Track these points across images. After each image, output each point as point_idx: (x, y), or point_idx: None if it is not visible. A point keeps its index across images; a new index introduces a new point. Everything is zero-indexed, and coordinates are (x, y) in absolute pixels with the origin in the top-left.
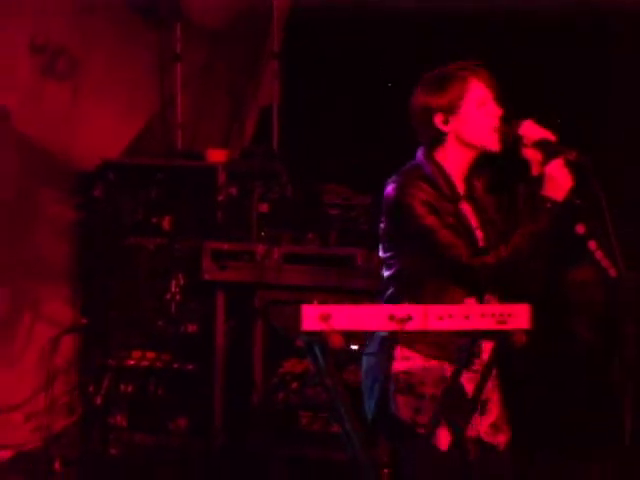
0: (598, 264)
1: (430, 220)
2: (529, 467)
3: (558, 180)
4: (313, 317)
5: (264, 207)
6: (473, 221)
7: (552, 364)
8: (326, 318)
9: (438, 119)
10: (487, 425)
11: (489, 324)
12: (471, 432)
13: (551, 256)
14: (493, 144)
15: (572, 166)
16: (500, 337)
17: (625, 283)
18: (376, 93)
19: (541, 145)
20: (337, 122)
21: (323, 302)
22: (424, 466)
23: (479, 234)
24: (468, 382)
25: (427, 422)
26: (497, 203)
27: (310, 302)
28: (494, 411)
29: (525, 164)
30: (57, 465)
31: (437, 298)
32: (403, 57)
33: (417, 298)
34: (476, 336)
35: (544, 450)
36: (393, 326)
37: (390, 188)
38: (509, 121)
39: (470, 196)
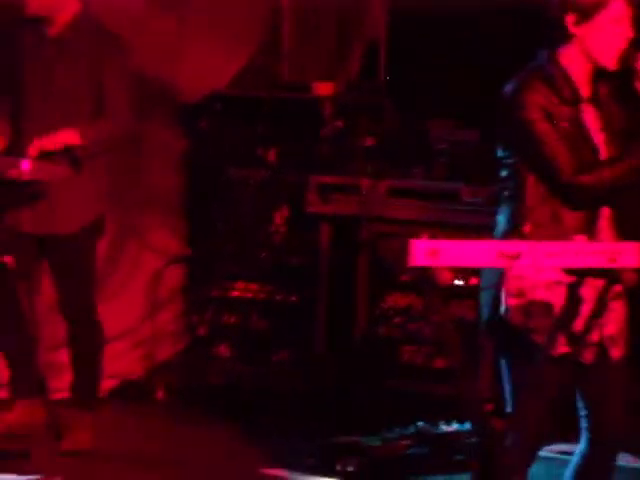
0: None
1: (542, 127)
2: None
3: None
4: (422, 252)
5: (370, 140)
6: (594, 124)
7: None
8: (435, 253)
9: (571, 19)
10: (606, 335)
11: (599, 262)
12: (593, 336)
13: None
14: (611, 63)
15: None
16: (610, 275)
17: None
18: (487, 27)
19: None
20: (446, 57)
21: (432, 237)
22: (535, 371)
23: (600, 137)
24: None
25: (538, 326)
26: (625, 112)
27: (418, 236)
28: (612, 325)
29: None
30: (160, 394)
31: (544, 203)
32: None
33: (526, 201)
34: (586, 274)
35: None
36: (502, 262)
37: (508, 87)
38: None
39: (595, 100)
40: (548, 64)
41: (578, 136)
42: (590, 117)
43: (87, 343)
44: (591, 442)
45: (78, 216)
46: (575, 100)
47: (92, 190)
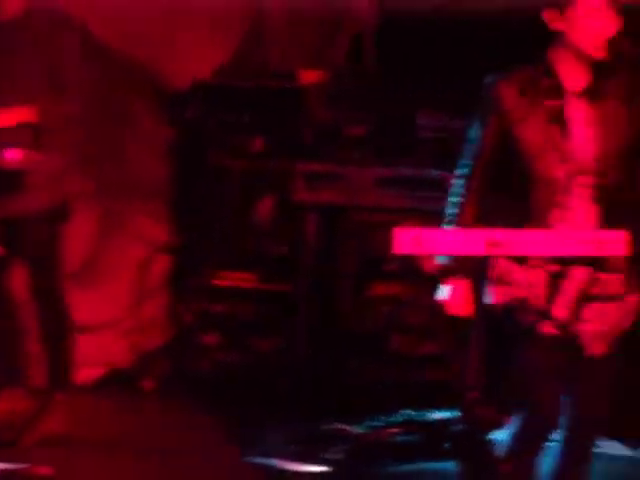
0: None
1: (488, 121)
2: None
3: None
4: (406, 240)
5: (357, 129)
6: (582, 118)
7: None
8: (420, 242)
9: (548, 16)
10: (588, 330)
11: (586, 250)
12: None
13: None
14: (597, 52)
15: None
16: (595, 263)
17: None
18: (480, 18)
19: None
20: (434, 44)
21: (416, 225)
22: (527, 353)
23: (588, 132)
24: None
25: (523, 307)
26: (630, 111)
27: (403, 225)
28: (600, 324)
29: None
30: (147, 383)
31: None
32: None
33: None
34: (572, 262)
35: None
36: (487, 250)
37: (488, 78)
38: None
39: (590, 94)
40: (537, 62)
41: (550, 130)
42: (578, 111)
43: (53, 328)
44: (568, 430)
45: (47, 196)
46: (555, 94)
47: (59, 171)
